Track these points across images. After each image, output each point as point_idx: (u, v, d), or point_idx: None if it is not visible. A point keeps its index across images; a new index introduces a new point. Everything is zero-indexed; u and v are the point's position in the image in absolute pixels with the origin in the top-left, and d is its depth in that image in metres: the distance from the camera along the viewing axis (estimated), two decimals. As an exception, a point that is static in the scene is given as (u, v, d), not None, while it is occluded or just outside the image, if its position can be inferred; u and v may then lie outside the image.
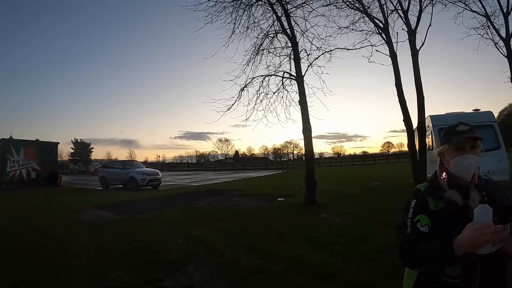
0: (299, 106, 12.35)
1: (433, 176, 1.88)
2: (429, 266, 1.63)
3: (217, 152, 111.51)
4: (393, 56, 12.74)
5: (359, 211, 9.83)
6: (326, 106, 13.37)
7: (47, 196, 18.04)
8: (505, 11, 14.41)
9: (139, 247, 6.86)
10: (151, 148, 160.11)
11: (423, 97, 12.65)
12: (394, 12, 13.20)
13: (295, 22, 12.85)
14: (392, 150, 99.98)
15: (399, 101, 12.87)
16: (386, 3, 13.08)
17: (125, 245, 7.12)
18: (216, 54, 13.35)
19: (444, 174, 1.81)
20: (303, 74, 12.43)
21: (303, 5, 12.66)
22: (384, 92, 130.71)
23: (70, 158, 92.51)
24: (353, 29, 13.47)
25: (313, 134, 12.51)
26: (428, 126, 13.12)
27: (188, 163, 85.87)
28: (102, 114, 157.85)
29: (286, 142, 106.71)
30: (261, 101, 12.92)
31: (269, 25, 13.17)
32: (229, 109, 12.83)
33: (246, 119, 12.93)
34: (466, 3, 14.21)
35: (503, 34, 14.67)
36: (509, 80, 14.85)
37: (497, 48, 15.06)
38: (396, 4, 13.05)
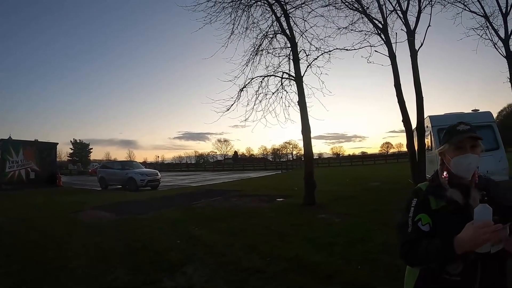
0: (298, 107, 12.36)
1: (434, 175, 1.89)
2: (430, 264, 1.66)
3: (216, 152, 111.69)
4: (392, 56, 12.76)
5: (358, 211, 9.84)
6: (325, 107, 13.48)
7: (46, 196, 18.00)
8: (504, 12, 14.43)
9: (139, 248, 6.85)
10: (150, 149, 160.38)
11: (422, 98, 12.67)
12: (393, 12, 13.24)
13: (294, 23, 12.89)
14: (391, 151, 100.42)
15: (398, 102, 12.89)
16: (385, 4, 13.13)
17: (124, 246, 7.12)
18: (215, 55, 13.39)
19: (445, 173, 1.83)
20: (302, 75, 12.44)
21: (302, 5, 12.69)
22: (383, 92, 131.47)
23: (69, 158, 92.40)
24: (352, 30, 13.52)
25: (312, 135, 12.53)
26: (427, 126, 13.15)
27: (187, 164, 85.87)
28: (101, 114, 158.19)
29: (285, 142, 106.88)
30: (260, 101, 12.95)
31: (268, 26, 13.20)
32: (228, 110, 12.85)
33: (245, 120, 12.95)
34: (465, 3, 14.25)
35: (502, 35, 14.70)
36: (508, 80, 14.87)
37: (496, 49, 15.08)
38: (395, 4, 13.08)
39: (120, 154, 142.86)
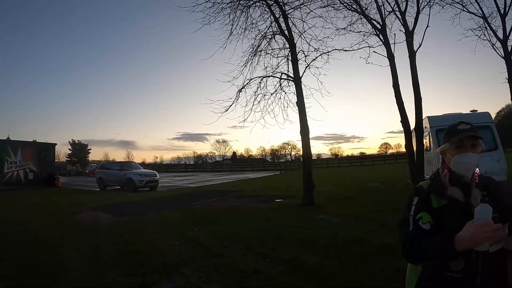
0: (296, 107, 12.38)
1: (435, 174, 1.92)
2: (431, 262, 1.69)
3: (214, 153, 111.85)
4: (391, 57, 12.75)
5: (357, 212, 9.83)
6: (324, 107, 13.53)
7: (45, 197, 17.95)
8: (502, 13, 14.46)
9: (136, 249, 6.82)
10: (148, 149, 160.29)
11: (421, 98, 12.66)
12: (391, 13, 13.22)
13: (293, 23, 12.91)
14: (390, 151, 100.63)
15: (397, 102, 12.88)
16: (383, 5, 13.10)
17: (122, 247, 7.09)
18: (214, 56, 13.37)
19: (445, 171, 1.85)
20: (300, 75, 12.45)
21: (301, 6, 12.71)
22: (381, 93, 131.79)
23: (67, 159, 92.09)
24: (350, 31, 13.51)
25: (310, 135, 12.54)
26: (425, 127, 13.14)
27: (186, 164, 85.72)
28: (100, 115, 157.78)
29: (284, 143, 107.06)
30: (258, 102, 12.97)
31: (266, 26, 13.22)
32: (226, 110, 12.88)
33: (244, 120, 12.99)
34: (464, 4, 14.27)
35: (500, 35, 14.71)
36: (507, 81, 14.87)
37: (494, 49, 15.11)
38: (394, 5, 13.07)
39: (118, 155, 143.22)
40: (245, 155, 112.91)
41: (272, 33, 13.15)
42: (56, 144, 30.75)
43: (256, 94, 12.96)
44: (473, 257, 1.63)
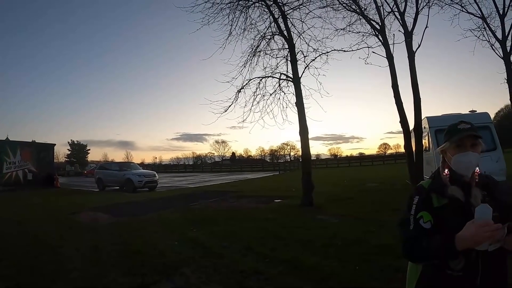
0: (295, 108, 12.38)
1: (435, 173, 1.93)
2: (432, 261, 1.71)
3: (214, 153, 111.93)
4: (390, 57, 12.77)
5: (356, 212, 9.84)
6: (323, 108, 13.50)
7: (44, 197, 17.94)
8: (501, 13, 14.50)
9: (135, 249, 6.82)
10: (147, 150, 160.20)
11: (420, 99, 12.69)
12: (390, 14, 13.27)
13: (292, 24, 12.92)
14: (389, 152, 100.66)
15: (396, 103, 12.90)
16: (382, 5, 13.14)
17: (121, 247, 7.08)
18: (213, 56, 13.39)
19: (446, 170, 1.86)
20: (299, 76, 12.47)
21: (300, 7, 12.73)
22: (380, 93, 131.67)
23: (66, 159, 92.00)
24: (349, 31, 13.54)
25: (309, 136, 12.55)
26: (424, 127, 13.15)
27: (185, 165, 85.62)
28: (99, 115, 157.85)
29: (283, 143, 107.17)
30: (258, 102, 12.97)
31: (266, 27, 13.23)
32: (226, 111, 12.87)
33: (243, 121, 12.98)
34: (463, 5, 14.32)
35: (499, 36, 14.76)
36: (505, 81, 14.92)
37: (493, 50, 15.18)
38: (393, 6, 13.11)
39: (117, 155, 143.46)
40: (244, 155, 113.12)
41: (271, 34, 13.18)
42: (55, 144, 30.81)
43: (255, 94, 12.99)
44: (473, 256, 1.64)
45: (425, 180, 1.94)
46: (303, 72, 12.67)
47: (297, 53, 12.67)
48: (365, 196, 13.62)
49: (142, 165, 54.78)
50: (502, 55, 14.77)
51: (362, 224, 8.25)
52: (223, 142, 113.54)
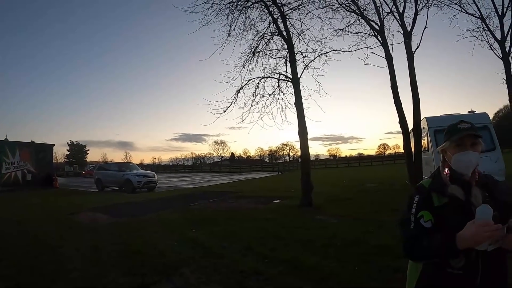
0: (295, 108, 12.37)
1: (435, 172, 1.94)
2: (432, 259, 1.73)
3: (213, 154, 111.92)
4: (389, 58, 12.80)
5: (355, 213, 9.83)
6: (322, 108, 13.48)
7: (43, 198, 17.96)
8: (500, 14, 14.53)
9: (135, 250, 6.82)
10: (146, 150, 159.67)
11: (419, 99, 12.72)
12: (389, 14, 13.30)
13: (291, 24, 12.90)
14: (388, 152, 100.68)
15: (395, 103, 12.93)
16: (381, 6, 13.18)
17: (120, 248, 7.08)
18: (212, 56, 13.37)
19: (446, 169, 1.88)
20: (299, 76, 12.47)
21: (299, 7, 12.73)
22: (379, 94, 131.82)
23: (65, 160, 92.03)
24: (349, 32, 13.57)
25: (309, 136, 12.55)
26: (423, 127, 13.17)
27: (184, 165, 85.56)
28: (98, 116, 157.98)
29: (282, 144, 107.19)
30: (257, 103, 12.96)
31: (265, 27, 13.21)
32: (225, 111, 12.86)
33: (242, 121, 12.98)
34: (462, 5, 14.36)
35: (498, 36, 14.80)
36: (504, 81, 14.94)
37: (492, 50, 15.21)
38: (392, 6, 13.14)
39: (116, 156, 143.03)
40: (243, 156, 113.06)
41: (270, 34, 13.16)
42: (54, 145, 30.80)
43: (254, 95, 12.98)
44: (473, 256, 1.66)
45: (425, 179, 1.95)
46: (302, 72, 12.69)
47: (296, 53, 12.67)
48: (364, 196, 13.62)
49: (141, 165, 54.79)
50: (501, 56, 14.80)
51: (361, 224, 8.25)
52: (222, 142, 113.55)
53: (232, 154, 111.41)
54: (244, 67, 13.02)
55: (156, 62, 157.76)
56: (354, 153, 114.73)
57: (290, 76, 12.59)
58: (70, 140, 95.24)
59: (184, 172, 63.73)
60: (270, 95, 13.00)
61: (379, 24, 12.94)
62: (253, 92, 12.97)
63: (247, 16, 12.96)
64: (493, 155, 11.43)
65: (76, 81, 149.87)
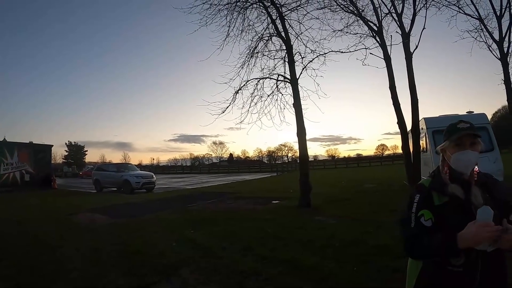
0: (293, 109, 12.38)
1: (435, 171, 1.97)
2: (433, 258, 1.76)
3: (211, 155, 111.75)
4: (387, 59, 12.81)
5: (354, 213, 9.85)
6: (321, 109, 13.56)
7: (41, 199, 17.94)
8: (498, 14, 14.56)
9: (134, 250, 6.82)
10: (145, 151, 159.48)
11: (417, 100, 12.74)
12: (388, 15, 13.31)
13: (290, 25, 12.92)
14: (387, 153, 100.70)
15: (393, 104, 12.94)
16: (380, 7, 13.19)
17: (119, 248, 7.08)
18: (210, 57, 13.33)
19: (446, 169, 1.90)
20: (297, 77, 12.47)
21: (298, 8, 12.73)
22: (378, 94, 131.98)
23: (64, 160, 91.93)
24: (347, 32, 13.56)
25: (307, 137, 12.59)
26: (422, 128, 13.18)
27: (183, 166, 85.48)
28: (96, 116, 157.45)
29: (281, 144, 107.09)
30: (255, 104, 12.98)
31: (263, 28, 13.22)
32: (223, 112, 12.87)
33: (241, 122, 12.99)
34: (460, 6, 14.36)
35: (496, 37, 14.83)
36: (502, 82, 14.97)
37: (491, 51, 15.22)
38: (390, 7, 13.15)
39: (115, 156, 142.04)
40: (241, 156, 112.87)
41: (269, 35, 13.18)
42: (52, 145, 30.72)
43: (252, 95, 12.99)
44: (473, 255, 1.68)
45: (426, 178, 1.97)
46: (301, 73, 12.70)
47: (295, 54, 12.68)
48: (363, 197, 13.64)
49: (140, 166, 54.79)
50: (499, 56, 14.82)
51: (360, 225, 8.26)
52: (220, 143, 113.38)
53: (231, 155, 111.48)
54: (242, 67, 13.06)
55: (155, 63, 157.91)
56: (352, 154, 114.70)
57: (289, 77, 12.60)
58: (68, 141, 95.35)
59: (183, 173, 63.66)
60: (268, 96, 13.03)
61: (377, 25, 12.95)
62: (252, 93, 13.00)
63: (245, 17, 12.99)
64: (492, 155, 11.44)
65: (75, 81, 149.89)
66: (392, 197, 12.10)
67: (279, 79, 12.95)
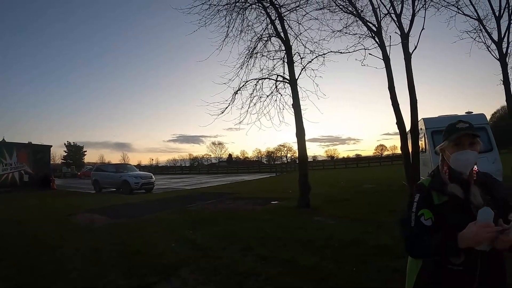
0: (292, 110, 12.39)
1: (435, 171, 1.99)
2: (433, 257, 1.77)
3: (210, 155, 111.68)
4: (386, 59, 12.80)
5: (353, 213, 9.84)
6: (320, 109, 13.55)
7: (40, 199, 17.93)
8: (497, 15, 14.56)
9: (133, 251, 6.83)
10: (144, 152, 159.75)
11: (416, 100, 12.72)
12: (387, 15, 13.28)
13: (289, 26, 12.93)
14: (386, 153, 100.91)
15: (392, 104, 12.93)
16: (379, 7, 13.17)
17: (118, 249, 7.08)
18: (209, 58, 13.41)
19: (445, 169, 1.92)
20: (296, 78, 12.48)
21: (297, 8, 12.74)
22: (377, 95, 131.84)
23: (63, 161, 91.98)
24: (346, 33, 13.54)
25: (306, 137, 12.57)
26: (421, 128, 13.19)
27: (182, 167, 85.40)
28: (95, 117, 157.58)
29: (280, 145, 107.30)
30: (254, 104, 12.98)
31: (262, 29, 13.24)
32: (222, 113, 12.87)
33: (240, 123, 13.00)
34: (459, 7, 14.34)
35: (495, 38, 14.82)
36: (501, 82, 14.99)
37: (489, 51, 15.21)
38: (389, 8, 13.13)
39: (114, 157, 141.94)
40: (241, 157, 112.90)
41: (268, 35, 13.18)
42: (51, 146, 30.76)
43: (252, 96, 13.00)
44: (473, 255, 1.69)
45: (425, 178, 1.99)
46: (300, 73, 12.70)
47: (294, 54, 12.69)
48: (362, 197, 13.65)
49: (139, 166, 54.65)
50: (498, 57, 14.82)
51: (359, 225, 8.26)
52: (219, 143, 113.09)
53: (230, 155, 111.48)
54: (241, 68, 13.06)
55: (155, 63, 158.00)
56: (351, 154, 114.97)
57: (288, 77, 12.61)
58: (67, 141, 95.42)
59: (182, 173, 63.60)
60: (267, 96, 13.04)
61: (376, 26, 12.94)
62: (251, 94, 13.01)
63: (244, 18, 12.98)
64: (491, 156, 11.45)
65: (75, 81, 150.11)
66: (391, 198, 12.12)
67: (278, 79, 12.98)
